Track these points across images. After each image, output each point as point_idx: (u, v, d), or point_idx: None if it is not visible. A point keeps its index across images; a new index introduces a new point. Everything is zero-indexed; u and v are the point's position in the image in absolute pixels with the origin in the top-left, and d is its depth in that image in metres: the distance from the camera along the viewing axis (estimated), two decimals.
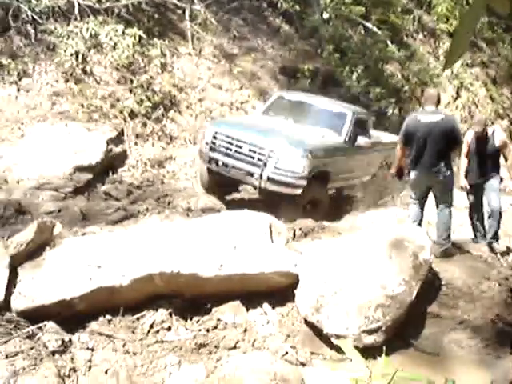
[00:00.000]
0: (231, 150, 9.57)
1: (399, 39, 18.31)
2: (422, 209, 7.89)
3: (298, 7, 16.63)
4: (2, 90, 10.78)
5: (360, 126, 10.89)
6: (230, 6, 15.94)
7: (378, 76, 16.55)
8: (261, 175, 9.33)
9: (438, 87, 16.48)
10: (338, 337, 5.72)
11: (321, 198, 9.95)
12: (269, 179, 9.34)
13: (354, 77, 15.50)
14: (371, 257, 6.18)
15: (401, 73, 17.51)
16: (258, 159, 9.38)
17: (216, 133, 9.71)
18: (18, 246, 6.46)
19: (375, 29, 17.09)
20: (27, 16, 12.09)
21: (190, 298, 6.26)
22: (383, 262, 6.12)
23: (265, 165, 9.32)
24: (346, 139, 10.57)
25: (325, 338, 5.79)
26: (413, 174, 7.77)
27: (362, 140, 10.54)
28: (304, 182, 9.41)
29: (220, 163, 9.62)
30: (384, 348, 5.44)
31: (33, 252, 6.56)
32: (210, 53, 14.29)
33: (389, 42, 17.03)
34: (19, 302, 6.12)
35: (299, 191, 9.41)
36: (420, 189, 7.82)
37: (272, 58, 15.78)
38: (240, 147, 9.51)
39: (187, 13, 14.30)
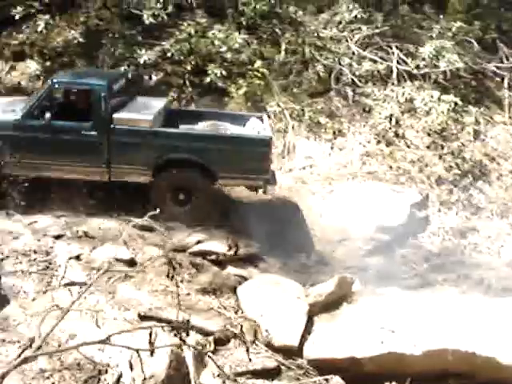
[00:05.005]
0: None
1: None
2: None
3: None
4: (318, 146, 11.52)
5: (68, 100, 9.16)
6: None
7: None
8: None
9: None
10: None
11: None
12: None
13: None
14: None
15: None
16: None
17: None
18: (318, 297, 6.80)
19: None
20: (347, 79, 12.82)
21: (483, 383, 5.89)
22: None
23: None
24: (32, 116, 8.74)
25: None
26: None
27: (47, 115, 8.52)
28: None
29: None
30: None
31: (330, 304, 6.83)
32: None
33: None
34: (311, 351, 6.39)
35: None
36: None
37: None
38: None
39: (506, 81, 13.81)
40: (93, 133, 8.76)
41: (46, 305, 6.30)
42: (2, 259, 7.18)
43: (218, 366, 5.69)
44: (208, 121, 9.69)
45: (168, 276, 5.09)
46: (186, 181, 8.82)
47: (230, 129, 9.51)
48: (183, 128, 9.37)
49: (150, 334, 4.63)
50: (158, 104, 9.70)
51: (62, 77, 9.55)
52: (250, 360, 6.12)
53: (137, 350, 4.63)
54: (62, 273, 6.92)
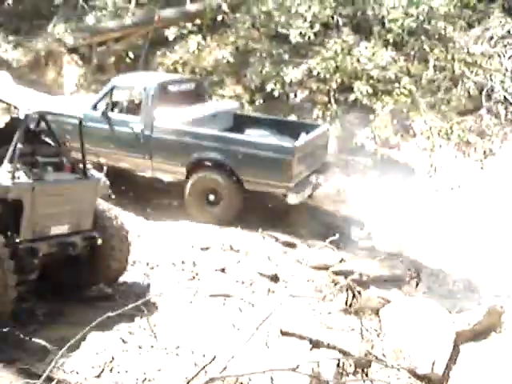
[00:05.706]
0: None
1: None
2: None
3: None
4: (466, 166, 11.16)
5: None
6: None
7: None
8: None
9: None
10: None
11: None
12: None
13: None
14: None
15: None
16: None
17: None
18: (465, 325, 6.48)
19: None
20: (499, 96, 12.33)
21: None
22: None
23: None
24: (95, 109, 9.77)
25: None
26: None
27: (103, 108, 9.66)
28: None
29: None
30: None
31: (478, 334, 6.50)
32: None
33: None
34: (456, 381, 6.08)
35: None
36: None
37: None
38: None
39: None
40: (139, 126, 9.56)
41: (191, 315, 6.51)
42: (153, 267, 7.54)
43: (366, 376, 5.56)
44: (262, 128, 10.24)
45: (346, 303, 5.11)
46: (212, 182, 9.33)
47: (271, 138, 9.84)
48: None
49: (338, 365, 4.65)
50: (219, 107, 10.68)
51: (122, 77, 10.47)
52: None
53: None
54: (208, 284, 7.12)
